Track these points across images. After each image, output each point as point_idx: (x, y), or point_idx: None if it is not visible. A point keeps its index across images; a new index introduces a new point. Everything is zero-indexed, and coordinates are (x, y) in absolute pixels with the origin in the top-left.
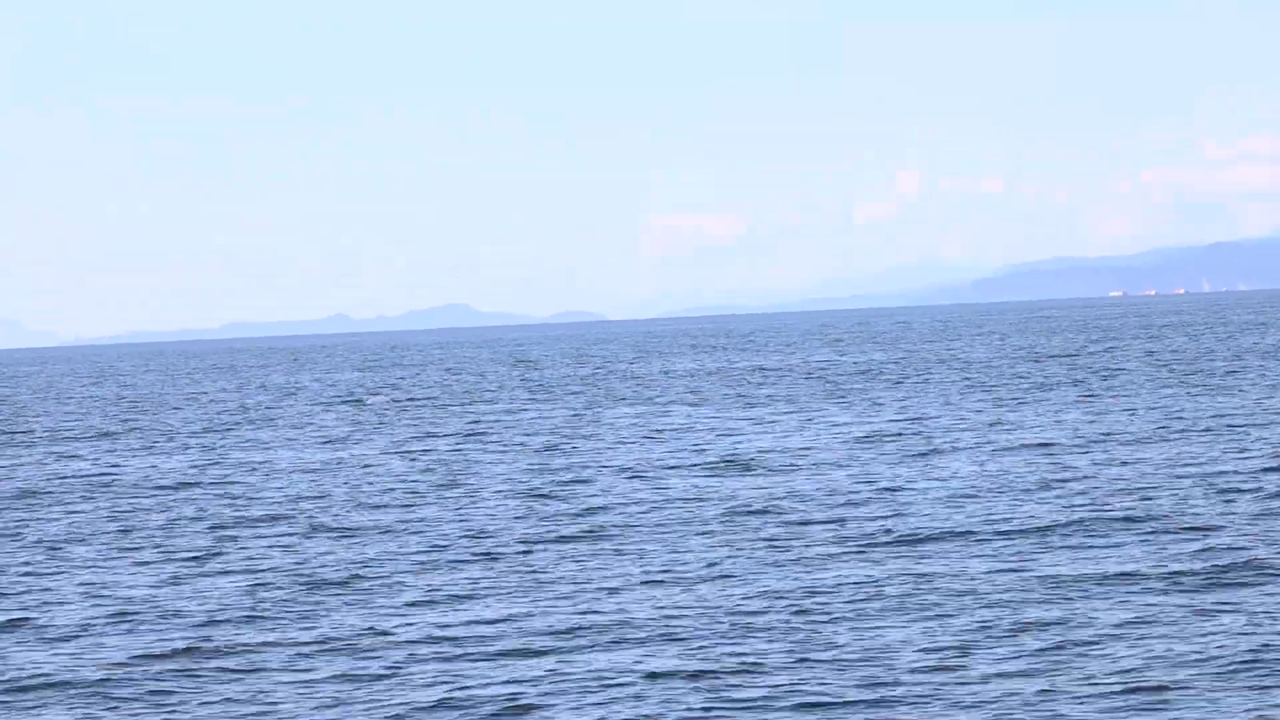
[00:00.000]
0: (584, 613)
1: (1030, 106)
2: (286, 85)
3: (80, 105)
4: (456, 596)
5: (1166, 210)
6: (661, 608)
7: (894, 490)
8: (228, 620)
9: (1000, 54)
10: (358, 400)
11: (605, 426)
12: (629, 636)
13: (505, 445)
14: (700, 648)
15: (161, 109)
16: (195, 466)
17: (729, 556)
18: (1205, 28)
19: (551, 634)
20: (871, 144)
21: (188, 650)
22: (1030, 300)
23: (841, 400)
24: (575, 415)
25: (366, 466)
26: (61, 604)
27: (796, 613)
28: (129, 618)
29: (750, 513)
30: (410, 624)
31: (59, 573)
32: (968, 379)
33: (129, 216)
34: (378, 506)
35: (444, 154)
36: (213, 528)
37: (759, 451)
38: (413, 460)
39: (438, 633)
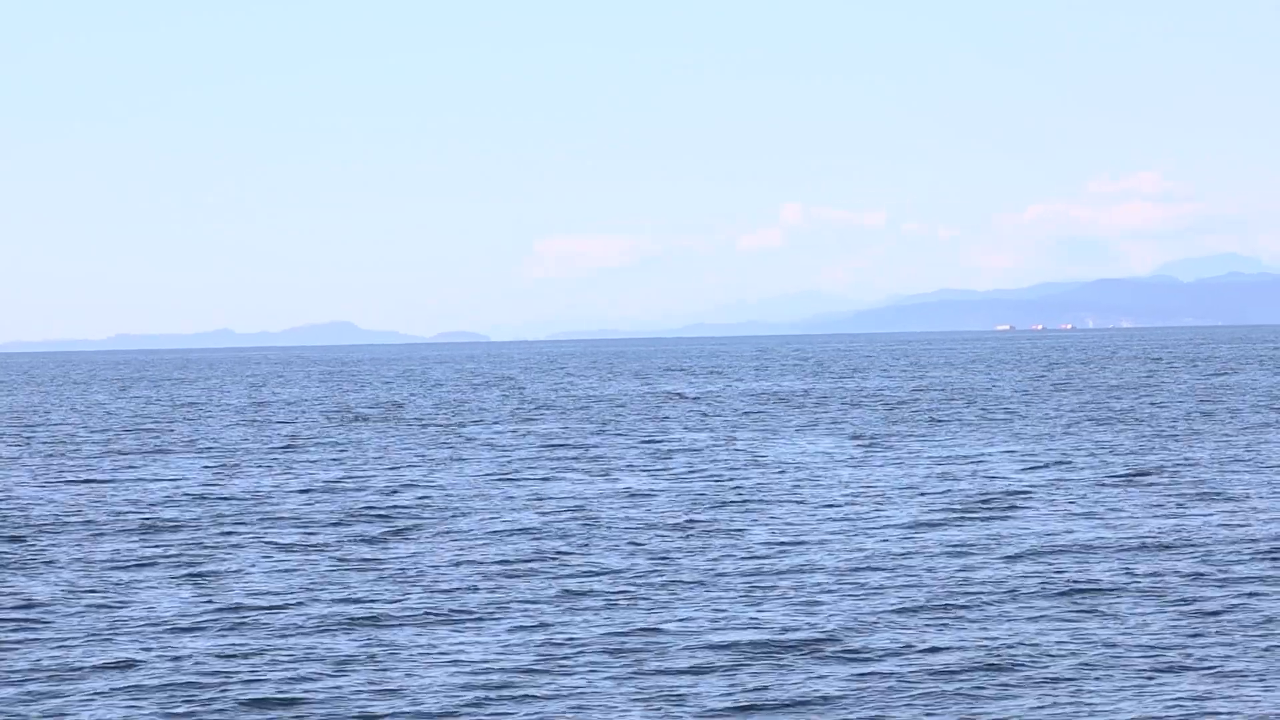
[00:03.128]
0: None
1: (913, 141)
2: (172, 101)
3: None
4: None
5: (1051, 246)
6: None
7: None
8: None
9: (883, 88)
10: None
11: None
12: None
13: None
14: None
15: (50, 124)
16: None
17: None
18: (1091, 65)
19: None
20: (756, 174)
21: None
22: (917, 332)
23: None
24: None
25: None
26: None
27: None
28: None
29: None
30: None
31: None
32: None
33: (15, 223)
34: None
35: (331, 170)
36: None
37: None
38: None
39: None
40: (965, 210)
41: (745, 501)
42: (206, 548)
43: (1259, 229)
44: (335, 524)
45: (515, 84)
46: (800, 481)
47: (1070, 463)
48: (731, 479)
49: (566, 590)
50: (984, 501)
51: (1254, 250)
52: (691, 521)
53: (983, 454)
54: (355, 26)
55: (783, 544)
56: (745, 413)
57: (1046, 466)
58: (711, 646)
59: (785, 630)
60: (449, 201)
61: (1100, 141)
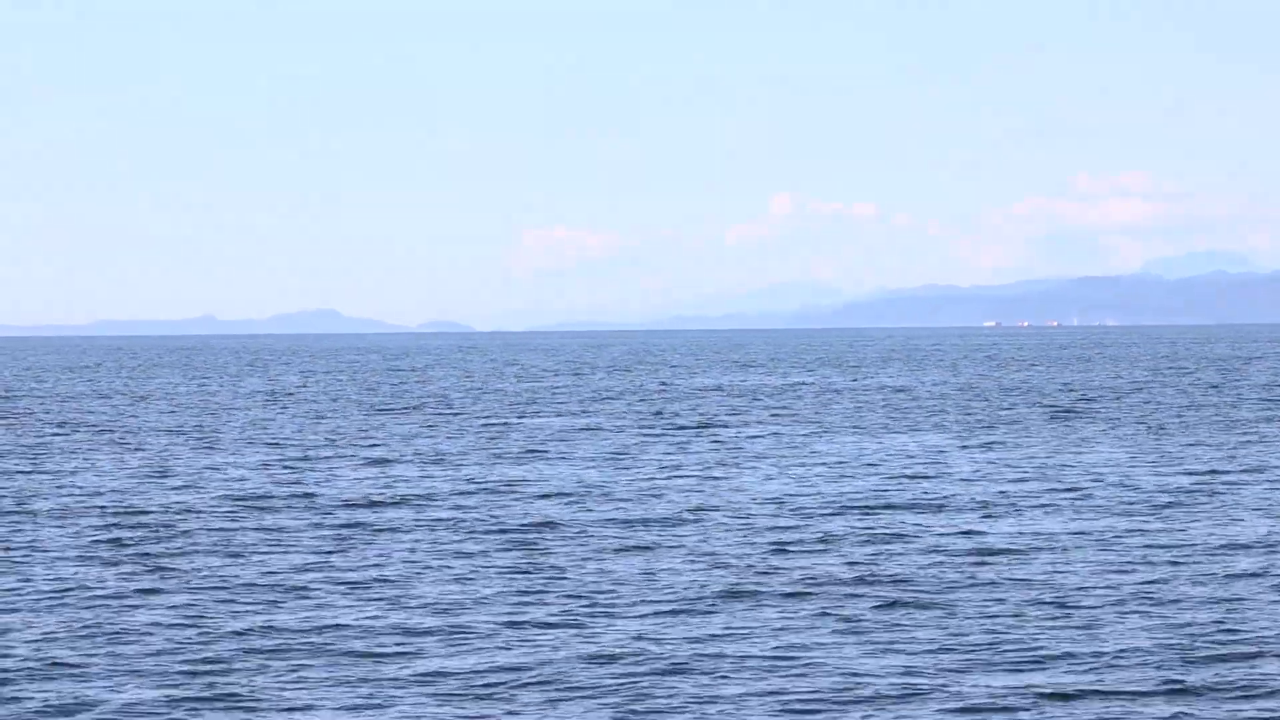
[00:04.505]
0: None
1: (903, 135)
2: (159, 85)
3: None
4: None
5: (1037, 243)
6: None
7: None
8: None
9: (873, 83)
10: None
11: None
12: None
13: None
14: None
15: (32, 103)
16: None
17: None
18: (1078, 62)
19: None
20: (745, 166)
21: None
22: (903, 327)
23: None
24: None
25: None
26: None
27: None
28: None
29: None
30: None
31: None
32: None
33: None
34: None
35: (316, 158)
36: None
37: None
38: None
39: None
40: (954, 204)
41: (915, 504)
42: (376, 557)
43: (1246, 228)
44: (506, 527)
45: (501, 75)
46: (954, 481)
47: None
48: (879, 478)
49: (809, 614)
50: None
51: (1241, 249)
52: (879, 526)
53: (1110, 454)
54: (343, 16)
55: (1006, 551)
56: (832, 408)
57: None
58: (1038, 692)
59: (1086, 669)
60: (434, 191)
61: (1088, 138)
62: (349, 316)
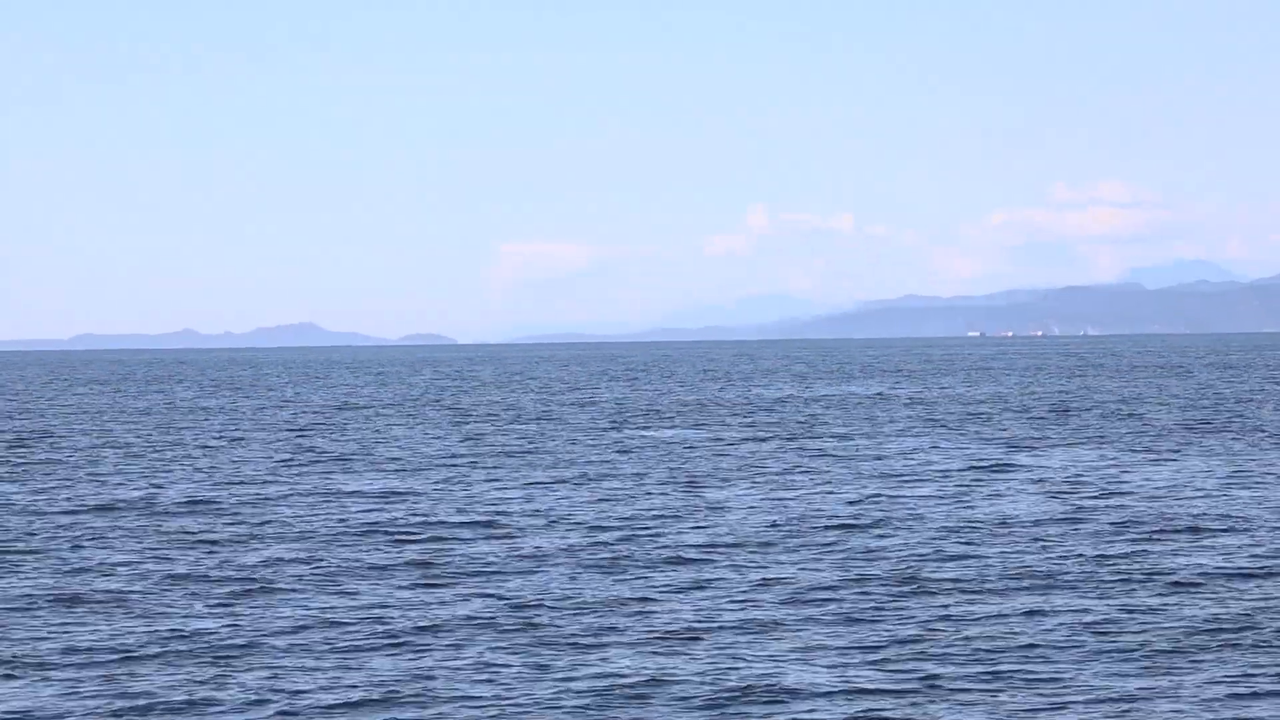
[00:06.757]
0: None
1: (878, 146)
2: (138, 95)
3: None
4: None
5: (1015, 252)
6: None
7: None
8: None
9: (849, 90)
10: None
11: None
12: None
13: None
14: None
15: (9, 118)
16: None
17: None
18: (1056, 71)
19: None
20: (721, 178)
21: None
22: (885, 338)
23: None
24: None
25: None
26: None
27: None
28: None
29: None
30: None
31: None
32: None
33: None
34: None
35: (294, 171)
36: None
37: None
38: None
39: None
40: (930, 215)
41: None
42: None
43: (1226, 237)
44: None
45: (479, 88)
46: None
47: None
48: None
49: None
50: None
51: (1221, 258)
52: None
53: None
54: (320, 30)
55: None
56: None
57: None
58: None
59: None
60: (413, 203)
61: (1064, 147)
62: (330, 330)
